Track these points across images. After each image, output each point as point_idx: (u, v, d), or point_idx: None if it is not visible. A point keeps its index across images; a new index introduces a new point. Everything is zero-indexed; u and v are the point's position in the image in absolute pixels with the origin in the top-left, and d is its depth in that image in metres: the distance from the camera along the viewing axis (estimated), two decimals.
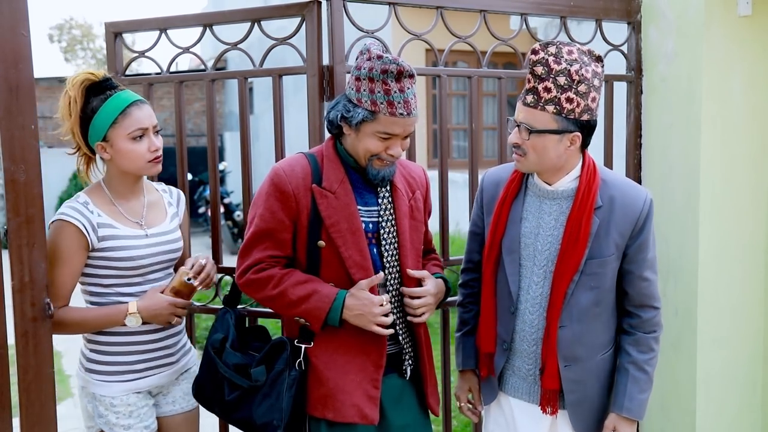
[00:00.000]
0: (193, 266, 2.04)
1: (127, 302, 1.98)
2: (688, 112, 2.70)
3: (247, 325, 2.16)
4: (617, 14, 2.83)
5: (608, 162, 2.88)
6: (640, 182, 2.91)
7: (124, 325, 1.97)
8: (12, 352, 1.79)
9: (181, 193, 2.25)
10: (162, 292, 2.02)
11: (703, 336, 2.71)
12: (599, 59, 1.85)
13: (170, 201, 2.16)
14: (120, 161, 1.98)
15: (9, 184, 1.77)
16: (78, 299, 2.02)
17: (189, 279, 2.01)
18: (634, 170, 2.91)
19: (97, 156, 2.05)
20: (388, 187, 1.98)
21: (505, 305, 1.97)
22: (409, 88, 1.81)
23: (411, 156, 2.46)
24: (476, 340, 2.06)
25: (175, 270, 2.11)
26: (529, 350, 1.95)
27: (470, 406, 2.15)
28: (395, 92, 1.80)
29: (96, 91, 1.98)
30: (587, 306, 1.88)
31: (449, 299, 2.29)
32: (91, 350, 2.02)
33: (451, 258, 2.66)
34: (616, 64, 2.91)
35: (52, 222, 1.92)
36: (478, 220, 2.10)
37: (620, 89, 2.92)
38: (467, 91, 2.64)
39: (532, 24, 2.83)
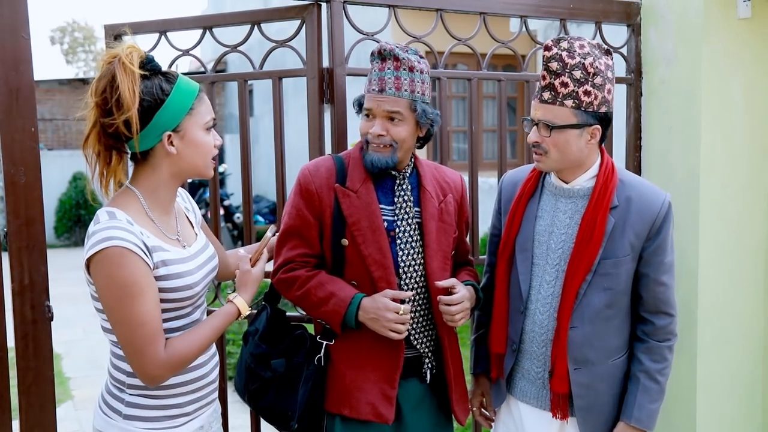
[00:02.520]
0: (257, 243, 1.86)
1: (230, 301, 1.71)
2: (687, 114, 2.70)
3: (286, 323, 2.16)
4: (617, 17, 2.83)
5: None
6: None
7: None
8: (12, 355, 1.79)
9: (187, 193, 2.07)
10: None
11: (703, 338, 2.70)
12: (608, 53, 1.85)
13: (186, 206, 1.85)
14: (190, 156, 1.62)
15: (9, 187, 1.77)
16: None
17: (275, 233, 1.83)
18: (634, 172, 2.91)
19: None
20: (407, 187, 1.98)
21: (516, 305, 1.95)
22: (389, 69, 1.89)
23: None
24: (488, 341, 2.05)
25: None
26: (538, 352, 1.92)
27: (483, 411, 2.14)
28: (375, 71, 1.91)
29: (147, 71, 1.59)
30: (599, 307, 1.84)
31: None
32: (135, 395, 1.64)
33: None
34: (616, 67, 2.90)
35: (102, 250, 1.49)
36: (497, 222, 2.09)
37: (620, 91, 2.91)
38: (467, 94, 2.64)
39: (531, 26, 2.83)
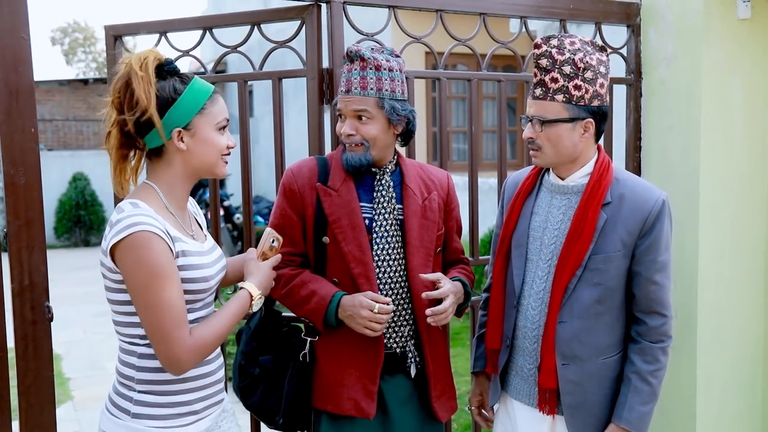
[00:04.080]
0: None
1: (242, 287, 1.73)
2: (687, 115, 2.70)
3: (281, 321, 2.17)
4: (616, 17, 2.83)
5: None
6: None
7: (249, 311, 1.73)
8: (11, 355, 1.79)
9: (194, 201, 2.05)
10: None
11: (703, 338, 2.70)
12: (603, 49, 1.87)
13: (194, 210, 1.89)
14: (200, 153, 1.68)
15: (9, 188, 1.77)
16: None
17: (273, 242, 1.82)
18: (634, 173, 2.91)
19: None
20: (387, 184, 2.00)
21: (510, 300, 1.97)
22: (356, 69, 1.94)
23: (411, 158, 2.46)
24: (485, 337, 2.06)
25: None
26: (530, 348, 1.92)
27: (483, 411, 2.14)
28: (344, 73, 1.97)
29: (165, 73, 1.68)
30: (589, 303, 1.84)
31: (473, 299, 2.32)
32: (144, 392, 1.64)
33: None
34: (616, 67, 2.91)
35: (129, 235, 1.53)
36: (501, 222, 2.10)
37: (620, 92, 2.92)
38: (467, 94, 2.64)
39: (531, 27, 2.83)
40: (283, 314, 2.16)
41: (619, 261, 1.84)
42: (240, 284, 1.75)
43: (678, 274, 2.76)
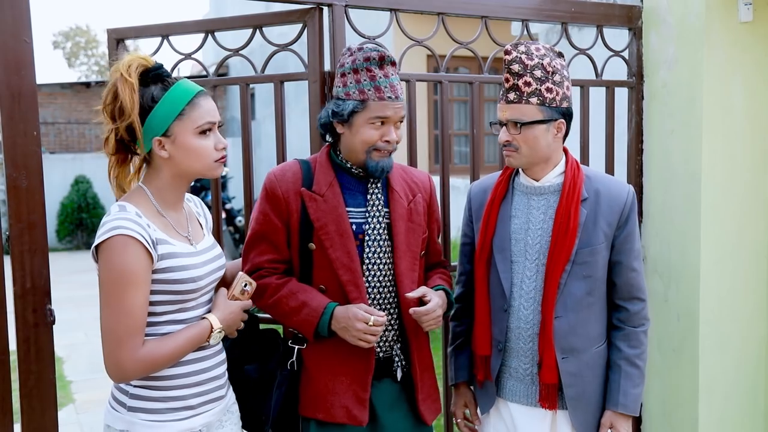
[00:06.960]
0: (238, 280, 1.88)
1: (204, 318, 1.74)
2: (689, 118, 2.70)
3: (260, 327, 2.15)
4: (618, 20, 2.83)
5: (609, 168, 2.88)
6: (641, 188, 2.91)
7: (206, 343, 1.74)
8: (13, 358, 1.79)
9: (200, 200, 2.04)
10: None
11: (705, 342, 2.70)
12: (561, 55, 1.97)
13: (198, 211, 1.90)
14: (183, 160, 1.69)
15: (11, 191, 1.78)
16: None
17: (246, 286, 1.83)
18: (636, 176, 2.91)
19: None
20: (380, 188, 1.99)
21: (498, 304, 1.99)
22: (393, 75, 1.91)
23: (412, 161, 2.46)
24: (472, 345, 2.07)
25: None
26: (524, 348, 1.96)
27: (468, 422, 2.15)
28: (380, 78, 1.89)
29: (148, 79, 1.68)
30: (581, 296, 1.93)
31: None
32: (138, 386, 1.69)
33: (452, 264, 2.66)
34: (617, 70, 2.91)
35: (107, 239, 1.57)
36: (468, 230, 2.14)
37: (621, 95, 2.93)
38: (468, 97, 2.65)
39: (533, 30, 2.83)
40: (259, 315, 2.12)
41: (603, 252, 1.95)
42: (204, 315, 1.75)
43: (680, 278, 2.76)
